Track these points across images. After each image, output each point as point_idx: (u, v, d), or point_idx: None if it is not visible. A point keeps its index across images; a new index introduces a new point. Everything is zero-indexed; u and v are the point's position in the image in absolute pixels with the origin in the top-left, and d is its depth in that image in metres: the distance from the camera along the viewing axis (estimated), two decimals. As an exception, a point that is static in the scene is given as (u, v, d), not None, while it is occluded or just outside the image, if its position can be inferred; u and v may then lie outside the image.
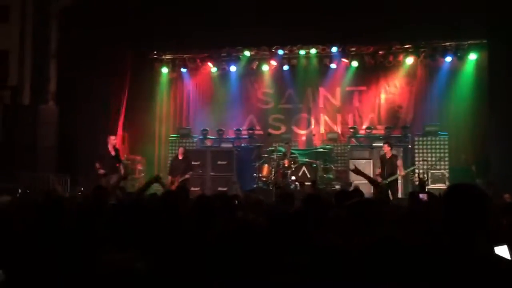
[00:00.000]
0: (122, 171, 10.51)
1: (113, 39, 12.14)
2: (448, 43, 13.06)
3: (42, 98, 11.63)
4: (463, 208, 2.03)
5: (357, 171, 6.36)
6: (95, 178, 10.16)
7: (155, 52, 14.48)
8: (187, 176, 11.59)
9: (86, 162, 11.98)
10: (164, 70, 14.87)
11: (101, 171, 10.26)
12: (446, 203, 2.12)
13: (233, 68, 14.65)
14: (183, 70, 14.87)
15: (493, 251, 1.83)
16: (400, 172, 10.69)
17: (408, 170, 11.49)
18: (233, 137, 14.53)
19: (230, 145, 14.08)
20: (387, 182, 10.26)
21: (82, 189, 10.89)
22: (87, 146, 12.28)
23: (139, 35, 12.28)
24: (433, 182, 11.88)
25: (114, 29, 11.91)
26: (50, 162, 11.12)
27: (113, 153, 10.72)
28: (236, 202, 5.34)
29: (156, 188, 7.36)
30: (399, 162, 10.89)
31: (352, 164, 9.70)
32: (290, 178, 12.24)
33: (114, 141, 11.03)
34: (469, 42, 12.87)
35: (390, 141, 11.52)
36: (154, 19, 11.82)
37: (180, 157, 11.90)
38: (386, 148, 11.00)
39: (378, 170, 10.91)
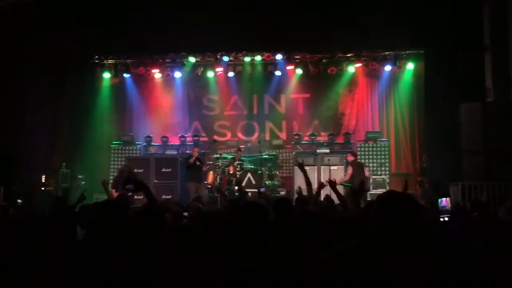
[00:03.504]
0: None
1: (52, 42, 11.64)
2: (387, 53, 13.54)
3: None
4: (395, 211, 2.26)
5: (301, 166, 6.48)
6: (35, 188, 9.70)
7: (96, 56, 14.02)
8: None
9: (26, 172, 11.38)
10: (106, 75, 14.41)
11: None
12: (380, 208, 2.33)
13: (177, 74, 14.46)
14: (126, 75, 14.49)
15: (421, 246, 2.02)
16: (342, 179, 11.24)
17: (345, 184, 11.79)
18: (178, 144, 14.34)
19: (174, 152, 13.88)
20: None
21: (19, 201, 10.34)
22: (25, 154, 11.65)
23: (79, 38, 11.81)
24: (374, 188, 12.22)
25: (54, 32, 11.42)
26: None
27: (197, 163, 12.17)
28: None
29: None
30: (349, 170, 11.50)
31: (300, 159, 9.83)
32: (235, 185, 12.20)
33: (197, 152, 12.44)
34: (407, 52, 13.40)
35: (352, 152, 12.45)
36: (96, 22, 11.44)
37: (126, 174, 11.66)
38: (348, 157, 11.89)
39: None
